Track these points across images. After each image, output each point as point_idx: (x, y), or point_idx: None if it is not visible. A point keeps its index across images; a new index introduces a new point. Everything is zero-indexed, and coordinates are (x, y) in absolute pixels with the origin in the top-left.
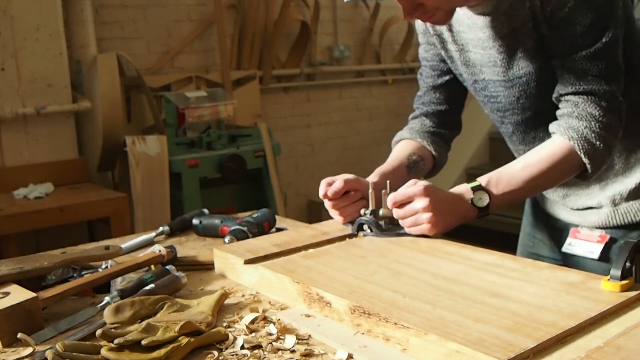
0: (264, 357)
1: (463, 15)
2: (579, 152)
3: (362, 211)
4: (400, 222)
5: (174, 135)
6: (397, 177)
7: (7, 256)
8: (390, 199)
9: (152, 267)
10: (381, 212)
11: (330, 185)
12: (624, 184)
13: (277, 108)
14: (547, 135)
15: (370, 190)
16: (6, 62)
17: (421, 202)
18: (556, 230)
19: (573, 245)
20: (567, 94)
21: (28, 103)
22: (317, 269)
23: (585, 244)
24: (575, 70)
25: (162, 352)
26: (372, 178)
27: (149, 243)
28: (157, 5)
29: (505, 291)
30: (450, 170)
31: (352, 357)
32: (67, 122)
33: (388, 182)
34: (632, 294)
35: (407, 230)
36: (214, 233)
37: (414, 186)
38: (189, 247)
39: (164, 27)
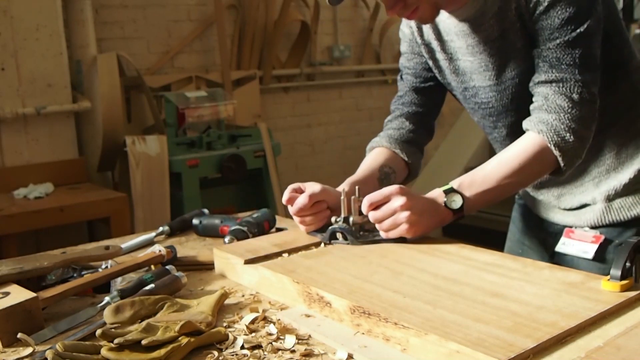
0: (264, 357)
1: (450, 24)
2: (549, 145)
3: (333, 219)
4: (377, 225)
5: (174, 135)
6: (369, 187)
7: (7, 256)
8: (367, 200)
9: (152, 267)
10: (351, 219)
11: (296, 192)
12: (617, 180)
13: (277, 108)
14: None
15: (342, 197)
16: (6, 62)
17: (398, 201)
18: (549, 235)
19: (567, 245)
20: (539, 83)
21: (28, 103)
22: (317, 269)
23: (579, 243)
24: (549, 58)
25: (162, 352)
26: (343, 187)
27: (149, 243)
28: (157, 5)
29: (505, 291)
30: (450, 170)
31: (352, 357)
32: (67, 122)
33: (357, 187)
34: (632, 294)
35: (384, 235)
36: (214, 233)
37: (389, 186)
38: (189, 247)
39: (164, 27)
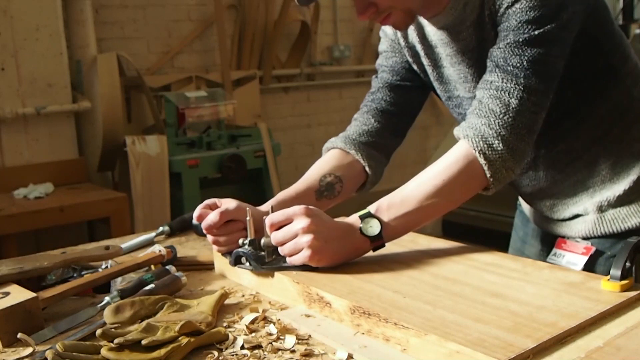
0: (264, 357)
1: (430, 31)
2: (474, 151)
3: (240, 241)
4: (280, 249)
5: (174, 135)
6: (303, 203)
7: (7, 256)
8: (268, 220)
9: (152, 267)
10: (263, 240)
11: (210, 208)
12: (612, 191)
13: (277, 108)
14: None
15: (247, 218)
16: (6, 62)
17: (301, 222)
18: (545, 245)
19: (557, 256)
20: (480, 84)
21: (28, 103)
22: (317, 269)
23: (569, 255)
24: (497, 58)
25: (162, 352)
26: (271, 204)
27: (149, 243)
28: (157, 5)
29: (505, 291)
30: None
31: (352, 357)
32: (67, 122)
33: (271, 206)
34: (632, 294)
35: (287, 260)
36: None
37: (294, 206)
38: (189, 247)
39: (164, 27)
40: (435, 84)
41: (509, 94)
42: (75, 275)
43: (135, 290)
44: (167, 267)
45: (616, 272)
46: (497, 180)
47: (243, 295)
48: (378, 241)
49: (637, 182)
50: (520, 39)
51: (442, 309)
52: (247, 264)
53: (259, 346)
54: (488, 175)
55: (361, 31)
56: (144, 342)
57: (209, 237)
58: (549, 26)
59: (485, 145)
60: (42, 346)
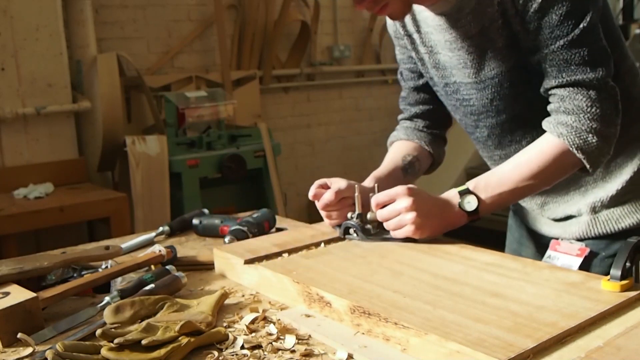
0: (264, 357)
1: (428, 16)
2: (571, 149)
3: (348, 215)
4: (385, 224)
5: (174, 135)
6: (394, 180)
7: (7, 256)
8: (374, 200)
9: (152, 267)
10: (369, 215)
11: (322, 188)
12: (604, 190)
13: (277, 108)
14: (524, 138)
15: (356, 194)
16: (6, 62)
17: (404, 202)
18: (541, 247)
19: (552, 258)
20: (552, 88)
21: (28, 103)
22: (317, 269)
23: (564, 257)
24: (556, 61)
25: (162, 352)
26: (368, 182)
27: (149, 243)
28: (157, 5)
29: (505, 291)
30: (450, 170)
31: (352, 357)
32: (67, 122)
33: (376, 185)
34: (632, 294)
35: (391, 233)
36: (214, 233)
37: (397, 187)
38: (189, 247)
39: (164, 27)
40: (432, 71)
41: (586, 88)
42: (75, 275)
43: (135, 290)
44: (167, 267)
45: (616, 272)
46: (595, 166)
47: (243, 295)
48: (474, 215)
49: (629, 182)
50: (573, 37)
51: (442, 309)
52: (355, 234)
53: (259, 346)
54: (588, 166)
55: (361, 31)
56: (144, 342)
57: (323, 213)
58: (590, 13)
59: (581, 141)
60: (42, 346)
